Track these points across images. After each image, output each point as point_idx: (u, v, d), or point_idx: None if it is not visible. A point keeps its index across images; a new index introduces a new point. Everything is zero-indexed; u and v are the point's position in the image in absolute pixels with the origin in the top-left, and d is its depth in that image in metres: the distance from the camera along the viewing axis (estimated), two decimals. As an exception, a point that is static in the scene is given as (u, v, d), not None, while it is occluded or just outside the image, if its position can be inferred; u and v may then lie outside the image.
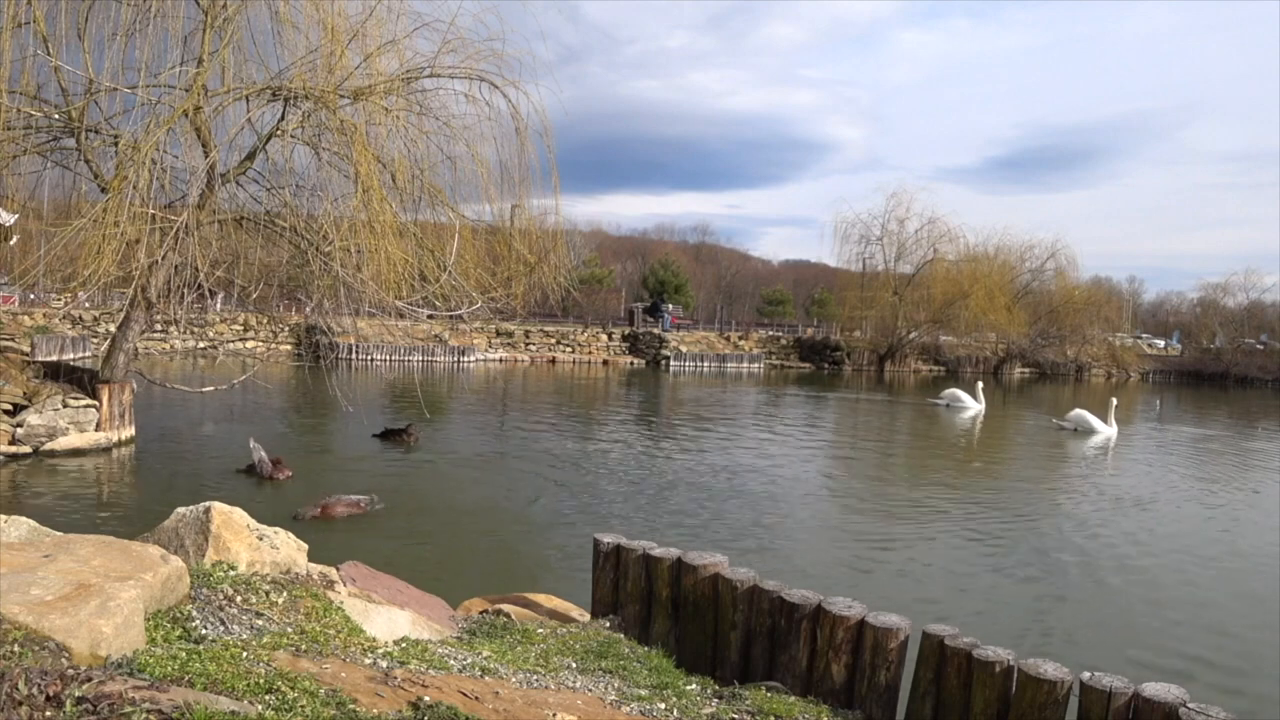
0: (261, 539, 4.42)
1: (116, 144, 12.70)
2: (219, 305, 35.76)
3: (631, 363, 43.84)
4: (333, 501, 10.09)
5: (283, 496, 10.94)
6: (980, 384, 29.06)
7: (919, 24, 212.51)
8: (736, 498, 12.35)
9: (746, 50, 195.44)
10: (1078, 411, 22.82)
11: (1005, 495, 13.84)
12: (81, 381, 14.06)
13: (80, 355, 26.19)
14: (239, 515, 4.48)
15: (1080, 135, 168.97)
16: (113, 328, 18.67)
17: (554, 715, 3.09)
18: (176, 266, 12.47)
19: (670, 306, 51.15)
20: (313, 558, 4.79)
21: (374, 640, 3.86)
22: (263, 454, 11.92)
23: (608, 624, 5.28)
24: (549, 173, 14.08)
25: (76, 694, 2.04)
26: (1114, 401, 22.63)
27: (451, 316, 15.01)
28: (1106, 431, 21.74)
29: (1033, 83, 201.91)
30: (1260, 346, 59.71)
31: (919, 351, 49.19)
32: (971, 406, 27.44)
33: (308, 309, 15.78)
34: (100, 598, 2.72)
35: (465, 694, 3.09)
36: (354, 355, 33.71)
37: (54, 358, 21.18)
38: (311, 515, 9.67)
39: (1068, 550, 10.27)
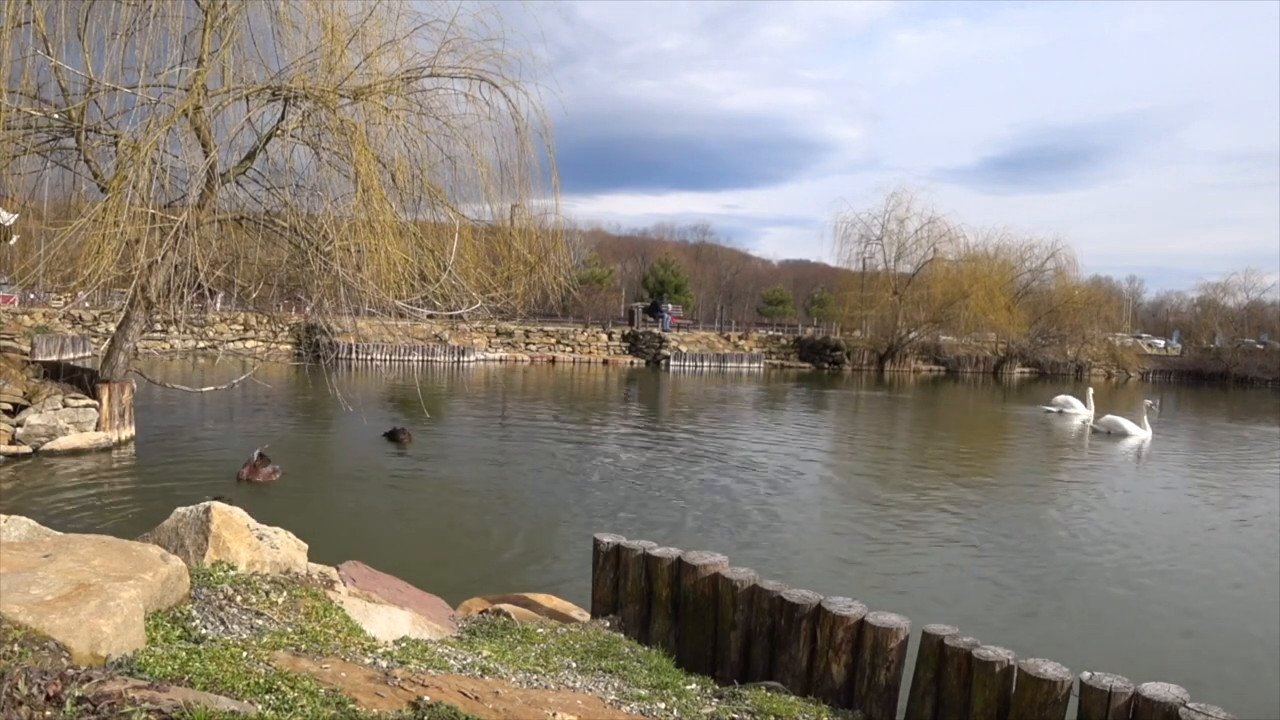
0: (261, 539, 4.42)
1: (116, 144, 12.69)
2: (219, 305, 35.76)
3: (631, 362, 43.83)
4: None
5: (279, 497, 10.95)
6: (1090, 390, 27.61)
7: (915, 24, 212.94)
8: (738, 497, 12.34)
9: (743, 51, 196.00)
10: (1109, 416, 22.64)
11: (1018, 496, 13.80)
12: (81, 381, 14.05)
13: (80, 355, 26.17)
14: (239, 515, 4.48)
15: (1078, 135, 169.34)
16: (113, 328, 18.66)
17: (554, 715, 3.09)
18: (176, 266, 12.46)
19: (670, 306, 51.18)
20: (312, 557, 4.79)
21: (374, 640, 3.86)
22: (253, 457, 11.93)
23: (608, 624, 5.28)
24: (549, 172, 14.08)
25: (76, 694, 2.04)
26: (1147, 403, 22.35)
27: (451, 316, 15.01)
28: (1140, 434, 21.42)
29: (1029, 83, 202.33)
30: (1260, 346, 59.68)
31: (919, 351, 49.22)
32: (1081, 412, 26.60)
33: (308, 309, 15.78)
34: (100, 597, 2.72)
35: (465, 694, 3.09)
36: (354, 355, 33.72)
37: (54, 358, 21.16)
38: None
39: (1074, 552, 10.26)
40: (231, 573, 3.96)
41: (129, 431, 14.18)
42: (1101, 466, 17.61)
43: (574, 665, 4.31)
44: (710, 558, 5.09)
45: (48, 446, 12.82)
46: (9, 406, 12.89)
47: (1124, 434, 21.61)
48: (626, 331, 46.41)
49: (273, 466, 11.87)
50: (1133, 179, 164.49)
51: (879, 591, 8.17)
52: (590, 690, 3.87)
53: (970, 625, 5.18)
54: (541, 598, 6.16)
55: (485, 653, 4.16)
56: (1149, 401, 22.69)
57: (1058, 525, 11.63)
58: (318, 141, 13.16)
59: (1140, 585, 9.03)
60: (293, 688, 2.56)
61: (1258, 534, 11.67)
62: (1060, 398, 28.38)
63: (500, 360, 40.03)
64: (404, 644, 4.03)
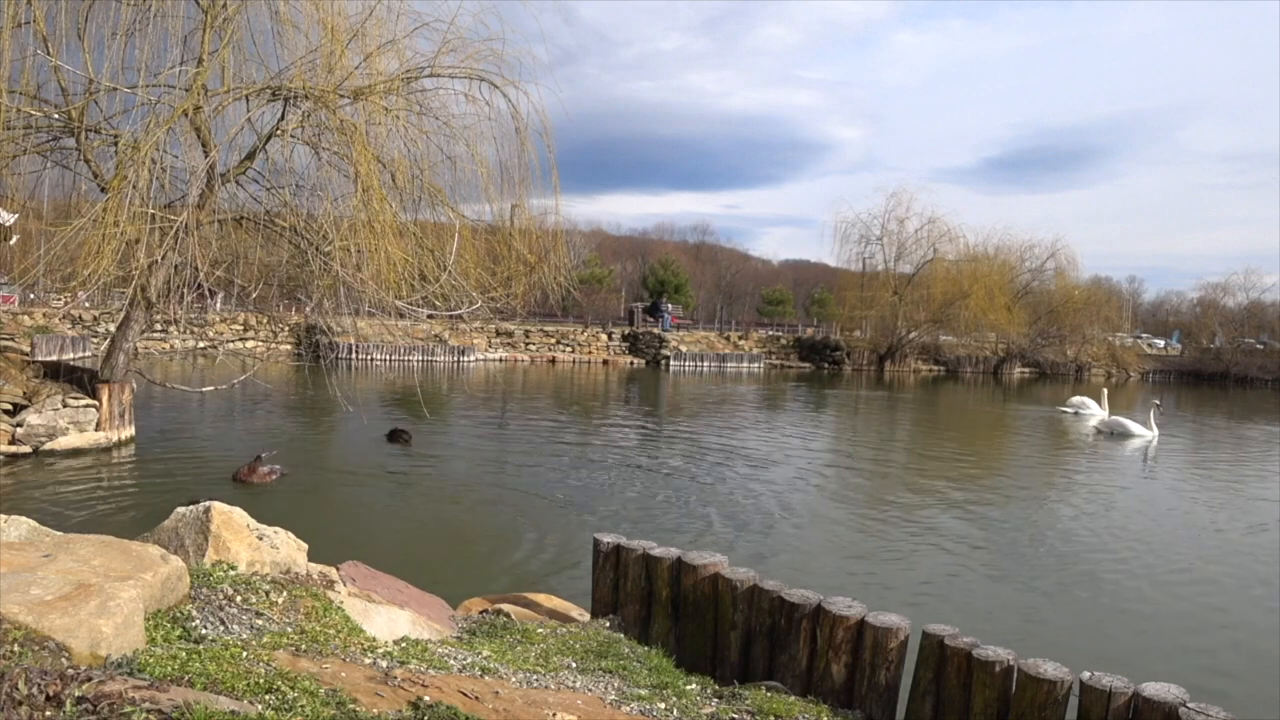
0: (261, 539, 4.42)
1: (116, 144, 12.69)
2: (219, 305, 35.80)
3: (631, 362, 43.82)
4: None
5: (279, 497, 10.95)
6: (1105, 391, 26.89)
7: (913, 25, 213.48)
8: (738, 497, 12.34)
9: (741, 52, 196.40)
10: (1114, 417, 22.55)
11: (1022, 496, 13.78)
12: (81, 381, 14.05)
13: (80, 355, 26.17)
14: (239, 515, 4.48)
15: (1076, 136, 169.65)
16: (113, 328, 18.66)
17: (554, 715, 3.09)
18: (176, 266, 12.46)
19: (670, 306, 51.16)
20: (312, 557, 4.79)
21: (374, 640, 3.86)
22: (254, 459, 11.91)
23: (608, 624, 5.28)
24: (549, 172, 14.07)
25: (76, 694, 2.04)
26: (1155, 403, 22.09)
27: (451, 316, 15.00)
28: (1146, 435, 21.16)
29: (1028, 83, 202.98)
30: (1260, 346, 59.67)
31: (919, 351, 49.23)
32: (1097, 413, 26.18)
33: (308, 309, 15.77)
34: (100, 597, 2.72)
35: (465, 694, 3.09)
36: (354, 355, 33.71)
37: (54, 358, 21.17)
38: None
39: (1076, 552, 10.25)
40: (231, 573, 3.96)
41: (129, 431, 14.18)
42: (1108, 467, 17.57)
43: (574, 665, 4.31)
44: (710, 558, 5.09)
45: (48, 446, 12.82)
46: (9, 406, 12.89)
47: (1128, 434, 21.34)
48: (626, 331, 46.40)
49: (269, 467, 11.86)
50: (1132, 179, 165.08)
51: (879, 591, 8.17)
52: (590, 690, 3.87)
53: (971, 625, 5.18)
54: (541, 598, 6.16)
55: (485, 653, 4.16)
56: (1156, 401, 22.52)
57: (1061, 526, 11.62)
58: (318, 141, 13.16)
59: (1143, 586, 9.03)
60: (293, 688, 2.56)
61: (1266, 536, 11.64)
62: (1076, 399, 28.15)
63: (500, 360, 40.03)
64: (404, 644, 4.03)
